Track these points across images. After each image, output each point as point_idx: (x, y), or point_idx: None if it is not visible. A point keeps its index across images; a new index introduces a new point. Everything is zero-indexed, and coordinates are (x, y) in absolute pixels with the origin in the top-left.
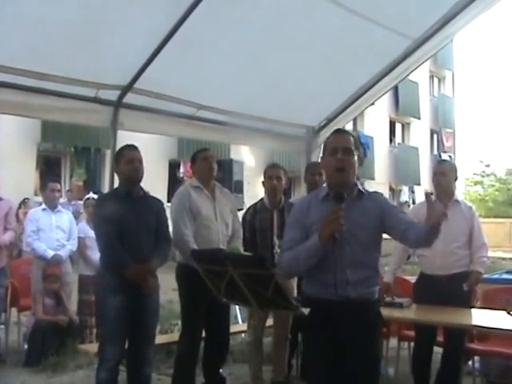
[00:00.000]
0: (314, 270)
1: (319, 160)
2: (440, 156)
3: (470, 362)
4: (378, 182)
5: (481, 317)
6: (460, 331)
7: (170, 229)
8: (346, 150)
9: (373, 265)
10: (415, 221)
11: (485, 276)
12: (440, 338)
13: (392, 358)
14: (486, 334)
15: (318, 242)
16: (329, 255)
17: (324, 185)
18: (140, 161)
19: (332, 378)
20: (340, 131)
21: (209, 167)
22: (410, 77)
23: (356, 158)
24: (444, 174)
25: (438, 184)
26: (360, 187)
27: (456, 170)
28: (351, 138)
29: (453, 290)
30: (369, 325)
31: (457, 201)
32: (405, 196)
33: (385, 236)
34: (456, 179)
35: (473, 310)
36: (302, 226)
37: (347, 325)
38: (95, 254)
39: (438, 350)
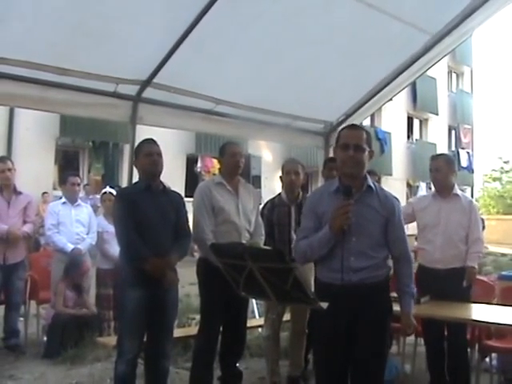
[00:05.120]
0: (324, 257)
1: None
2: (458, 152)
3: (487, 359)
4: (396, 178)
5: (499, 314)
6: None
7: (190, 223)
8: (358, 147)
9: (378, 255)
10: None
11: (503, 273)
12: None
13: (409, 354)
14: (503, 331)
15: (328, 234)
16: (337, 244)
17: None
18: (159, 154)
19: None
20: (353, 127)
21: (236, 165)
22: (428, 72)
23: (367, 153)
24: (438, 169)
25: (435, 180)
26: (370, 182)
27: (453, 163)
28: (363, 134)
29: (451, 284)
30: (376, 304)
31: (456, 194)
32: (422, 192)
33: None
34: (454, 172)
35: (490, 306)
36: (315, 216)
37: (352, 308)
38: (113, 248)
39: None
